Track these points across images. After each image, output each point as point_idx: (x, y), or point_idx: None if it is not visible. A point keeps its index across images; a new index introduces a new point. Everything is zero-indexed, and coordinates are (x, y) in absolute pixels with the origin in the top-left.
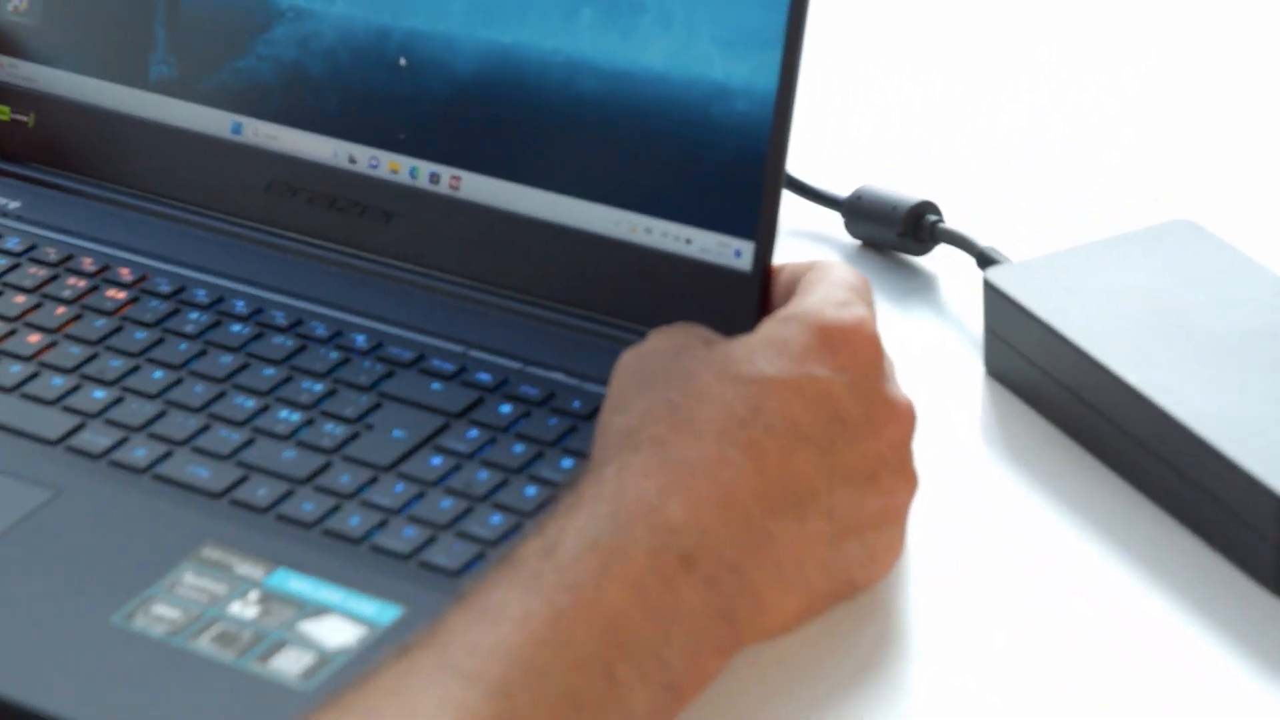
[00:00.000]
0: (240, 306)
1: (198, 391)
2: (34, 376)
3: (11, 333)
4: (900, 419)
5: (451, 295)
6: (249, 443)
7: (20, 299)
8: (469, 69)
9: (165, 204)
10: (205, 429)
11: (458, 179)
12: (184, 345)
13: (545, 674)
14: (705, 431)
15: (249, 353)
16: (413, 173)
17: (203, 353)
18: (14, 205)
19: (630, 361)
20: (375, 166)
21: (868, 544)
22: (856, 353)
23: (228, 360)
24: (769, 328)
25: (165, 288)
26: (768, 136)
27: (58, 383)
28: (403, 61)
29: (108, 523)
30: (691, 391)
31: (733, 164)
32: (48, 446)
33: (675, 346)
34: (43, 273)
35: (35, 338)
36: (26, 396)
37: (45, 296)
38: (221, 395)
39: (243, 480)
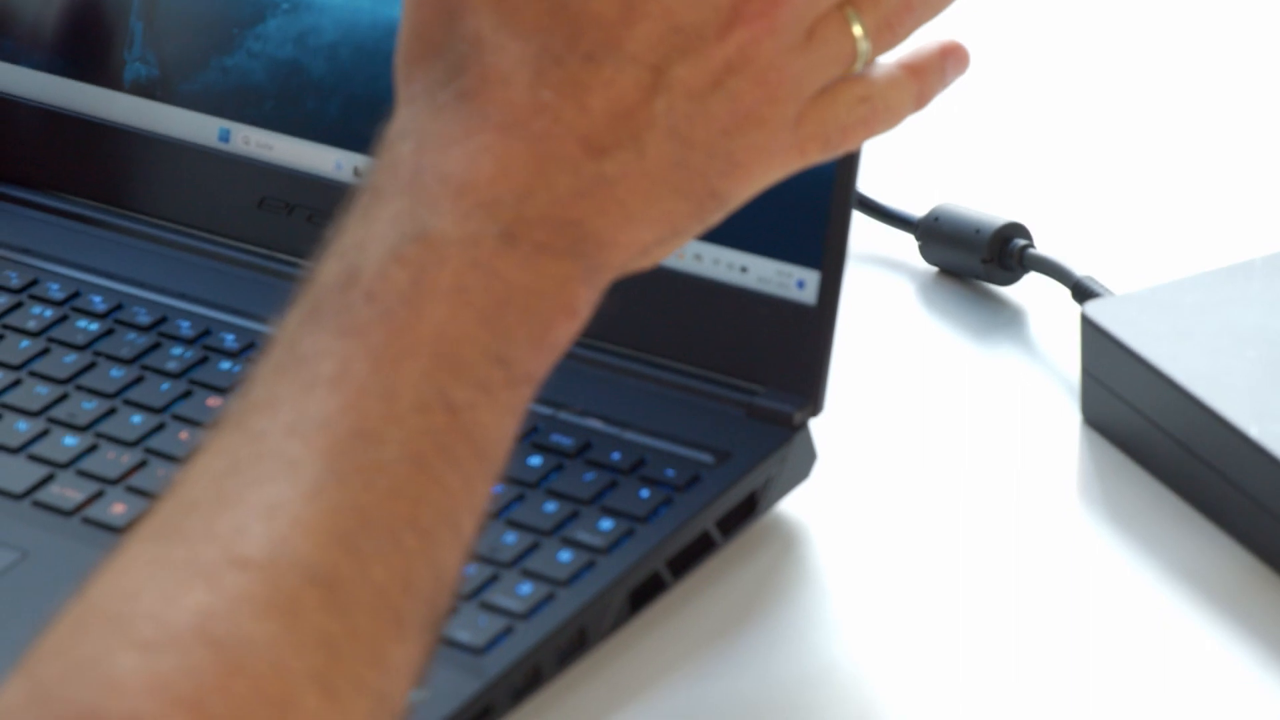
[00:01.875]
0: (230, 340)
1: (183, 439)
2: None
3: None
4: (748, 20)
5: None
6: None
7: None
8: None
9: (143, 222)
10: None
11: None
12: (166, 385)
13: (376, 438)
14: (516, 76)
15: None
16: None
17: (188, 393)
18: None
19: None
20: None
21: (723, 152)
22: None
23: (217, 402)
24: None
25: (144, 318)
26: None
27: (22, 428)
28: None
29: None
30: (501, 26)
31: (795, 185)
32: (12, 501)
33: None
34: (3, 300)
35: None
36: None
37: (6, 328)
38: None
39: None
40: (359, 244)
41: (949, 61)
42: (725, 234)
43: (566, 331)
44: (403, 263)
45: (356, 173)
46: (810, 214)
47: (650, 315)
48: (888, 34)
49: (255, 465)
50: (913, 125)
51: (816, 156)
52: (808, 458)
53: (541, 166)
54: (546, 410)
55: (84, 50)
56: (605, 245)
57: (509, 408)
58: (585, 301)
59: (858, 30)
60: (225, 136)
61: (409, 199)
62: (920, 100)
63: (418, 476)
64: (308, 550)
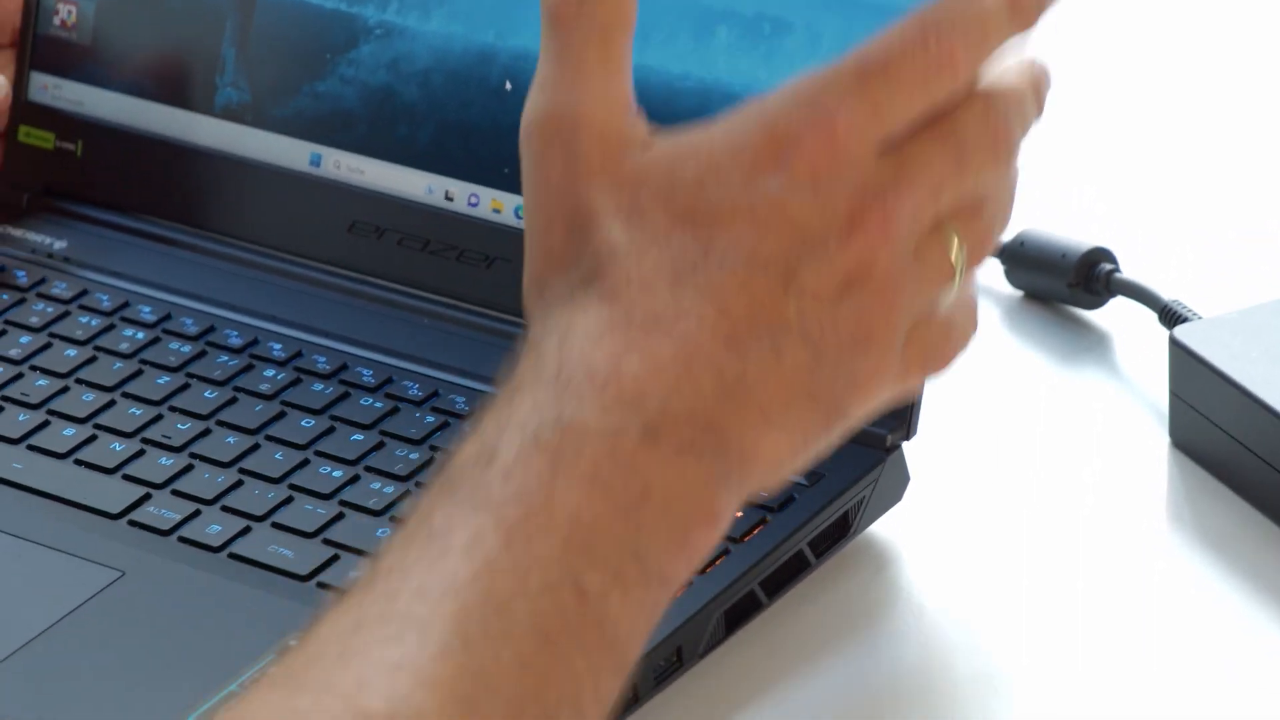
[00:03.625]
0: (321, 363)
1: (278, 459)
2: (90, 440)
3: (63, 390)
4: (867, 228)
5: None
6: (338, 518)
7: (71, 352)
8: None
9: (233, 246)
10: (287, 502)
11: None
12: (260, 406)
13: (505, 609)
14: (657, 281)
15: (333, 415)
16: (518, 212)
17: (281, 415)
18: (60, 246)
19: (548, 188)
20: (475, 205)
21: (847, 368)
22: (812, 157)
23: (310, 424)
24: (726, 128)
25: (236, 341)
26: None
27: (118, 448)
28: (508, 86)
29: (179, 608)
30: (639, 234)
31: None
32: (109, 521)
33: (595, 169)
34: (96, 323)
35: (90, 396)
36: (82, 463)
37: (99, 350)
38: (305, 464)
39: (332, 561)
40: (499, 427)
41: None
42: None
43: (706, 538)
44: (542, 447)
45: (448, 197)
46: None
47: None
48: (978, 254)
49: (382, 624)
50: None
51: (915, 382)
52: (901, 480)
53: (688, 366)
54: None
55: (176, 76)
56: (746, 452)
57: (643, 606)
58: (726, 508)
59: (955, 249)
60: (316, 161)
61: (552, 389)
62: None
63: (544, 652)
64: (430, 709)
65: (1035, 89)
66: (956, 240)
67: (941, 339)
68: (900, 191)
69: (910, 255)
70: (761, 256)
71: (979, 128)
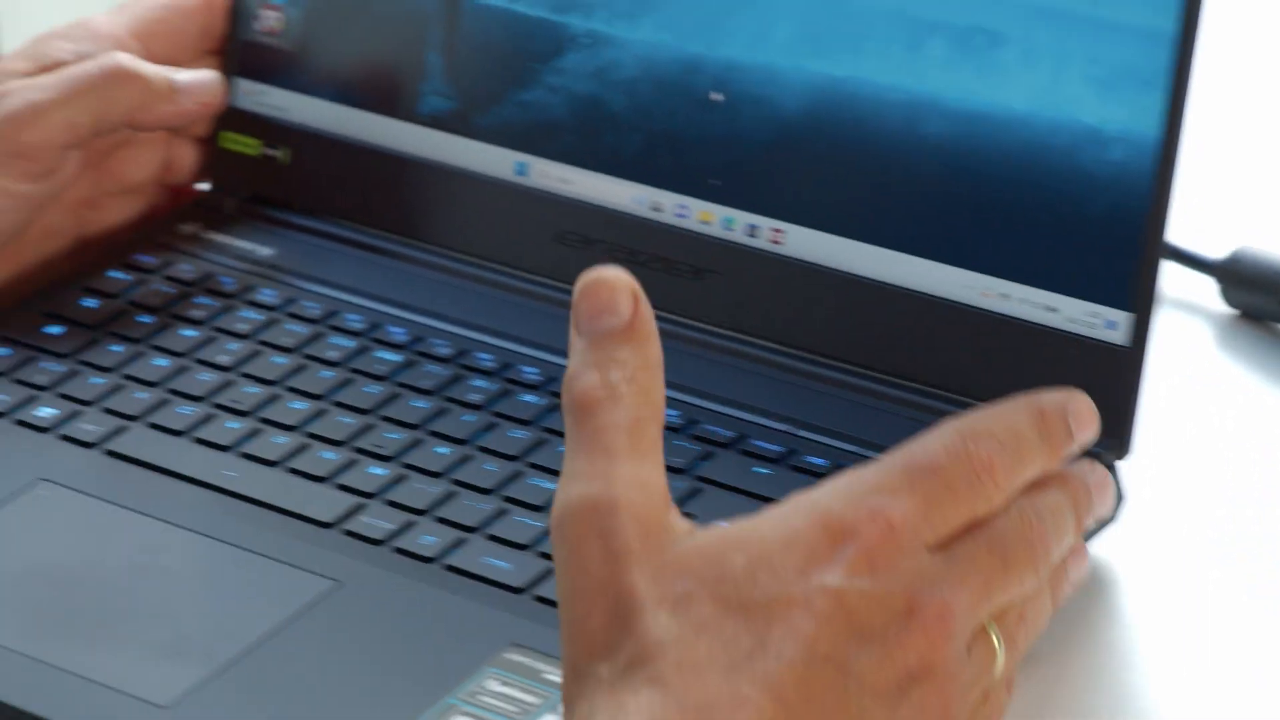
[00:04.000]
0: (530, 374)
1: (490, 470)
2: (302, 449)
3: (273, 398)
4: (925, 621)
5: (773, 365)
6: None
7: (280, 360)
8: (794, 106)
9: (439, 254)
10: (501, 514)
11: (780, 232)
12: (470, 416)
13: None
14: (710, 668)
15: (544, 426)
16: (727, 224)
17: (492, 425)
18: (266, 253)
19: (586, 576)
20: (684, 216)
21: None
22: (869, 549)
23: (521, 435)
24: (774, 520)
25: (444, 350)
26: (1148, 190)
27: (329, 456)
28: (717, 96)
29: (395, 619)
30: (686, 622)
31: (1107, 221)
32: (323, 530)
33: (637, 556)
34: (304, 330)
35: (300, 404)
36: (295, 472)
37: (308, 358)
38: (518, 475)
39: (547, 575)
40: None
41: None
42: (1033, 273)
43: None
44: None
45: (656, 208)
46: (1121, 254)
47: (957, 354)
48: (1015, 652)
49: None
50: (1211, 168)
51: None
52: (1116, 499)
53: None
54: (850, 447)
55: (380, 82)
56: None
57: None
58: None
59: (999, 647)
60: (522, 170)
61: None
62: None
63: None
64: None
65: (1078, 498)
66: (997, 638)
67: None
68: (955, 586)
69: (965, 651)
70: (820, 649)
71: (1018, 535)
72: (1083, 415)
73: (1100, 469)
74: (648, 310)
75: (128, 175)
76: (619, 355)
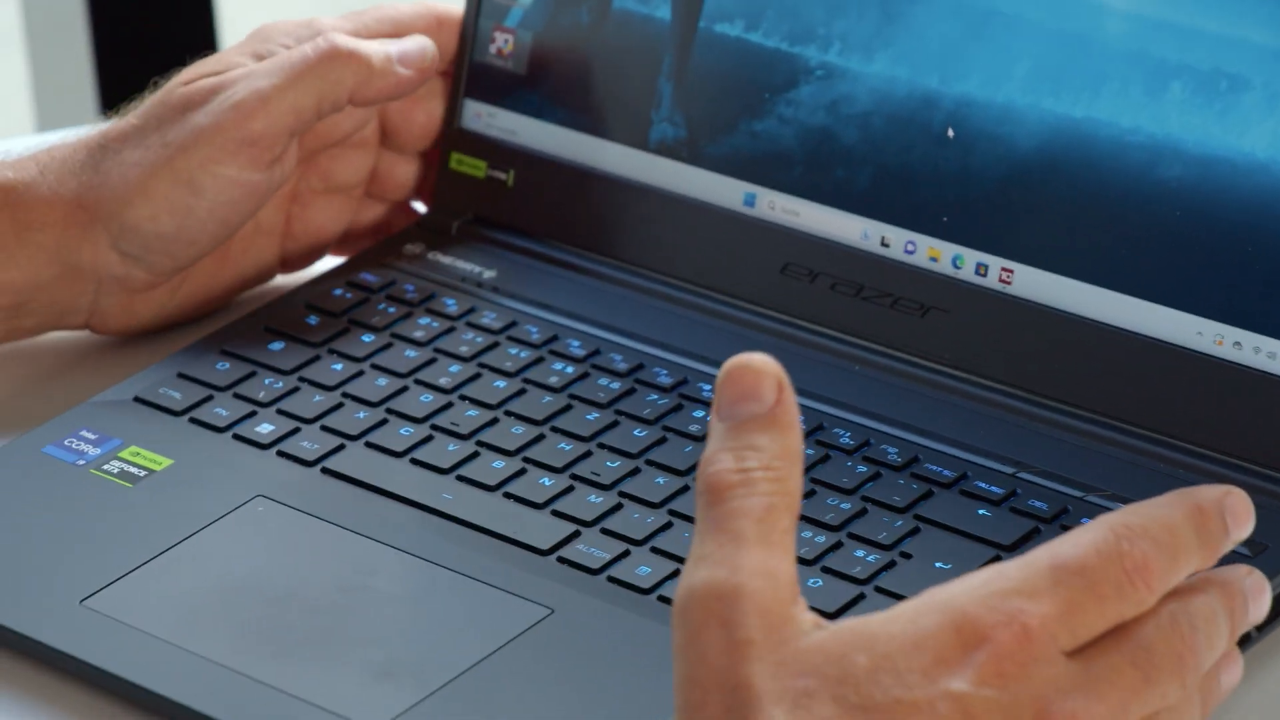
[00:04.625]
0: None
1: None
2: (519, 474)
3: (493, 421)
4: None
5: (998, 406)
6: None
7: (501, 384)
8: (1029, 145)
9: (661, 282)
10: None
11: (1010, 272)
12: (689, 447)
13: None
14: None
15: None
16: (956, 262)
17: None
18: (489, 275)
19: (704, 665)
20: (911, 252)
21: None
22: (1001, 657)
23: None
24: (904, 618)
25: (665, 379)
26: None
27: (546, 483)
28: (950, 132)
29: (608, 650)
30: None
31: None
32: (538, 557)
33: (758, 649)
34: (525, 355)
35: (519, 429)
36: (512, 497)
37: (528, 383)
38: None
39: None
40: None
41: None
42: (1270, 322)
43: None
44: None
45: (884, 243)
46: None
47: (1187, 402)
48: None
49: None
50: None
51: None
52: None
53: None
54: (1074, 492)
55: (610, 109)
56: None
57: None
58: None
59: None
60: (750, 201)
61: None
62: None
63: None
64: None
65: (1234, 604)
66: None
67: None
68: (1090, 698)
69: None
70: None
71: (1166, 645)
72: (1239, 512)
73: (1257, 574)
74: (791, 399)
75: (335, 174)
76: (758, 442)
